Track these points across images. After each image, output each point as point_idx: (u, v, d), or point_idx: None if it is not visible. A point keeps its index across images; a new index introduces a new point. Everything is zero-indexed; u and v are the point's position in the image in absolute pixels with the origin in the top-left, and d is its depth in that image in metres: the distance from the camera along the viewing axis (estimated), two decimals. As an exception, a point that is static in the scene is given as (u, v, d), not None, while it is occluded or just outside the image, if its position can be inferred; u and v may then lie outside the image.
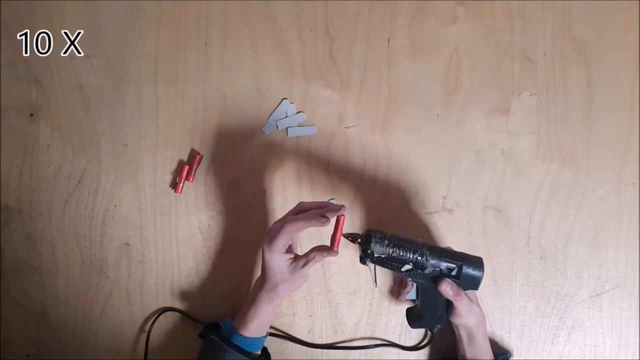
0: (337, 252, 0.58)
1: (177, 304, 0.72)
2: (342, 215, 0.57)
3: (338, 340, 0.71)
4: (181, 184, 0.71)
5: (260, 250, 0.62)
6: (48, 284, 0.73)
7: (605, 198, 0.68)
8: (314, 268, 0.70)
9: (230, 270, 0.71)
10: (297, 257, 0.61)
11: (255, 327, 0.63)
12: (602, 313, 0.69)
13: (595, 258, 0.68)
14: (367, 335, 0.70)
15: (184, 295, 0.72)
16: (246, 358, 0.62)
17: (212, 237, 0.72)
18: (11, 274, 0.73)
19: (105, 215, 0.72)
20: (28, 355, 0.74)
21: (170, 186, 0.72)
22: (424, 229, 0.69)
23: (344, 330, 0.71)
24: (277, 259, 0.60)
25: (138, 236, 0.72)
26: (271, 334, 0.70)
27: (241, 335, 0.62)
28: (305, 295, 0.71)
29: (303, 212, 0.60)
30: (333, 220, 0.58)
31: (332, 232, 0.58)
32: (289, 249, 0.63)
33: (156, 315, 0.72)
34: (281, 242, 0.59)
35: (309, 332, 0.71)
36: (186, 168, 0.71)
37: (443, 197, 0.70)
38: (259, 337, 0.64)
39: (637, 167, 0.68)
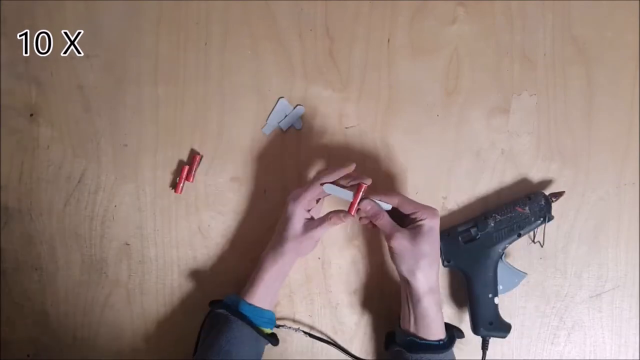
0: (353, 216, 0.60)
1: (177, 305, 0.72)
2: (365, 184, 0.59)
3: (338, 340, 0.71)
4: (181, 184, 0.71)
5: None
6: (48, 284, 0.73)
7: (605, 198, 0.68)
8: (315, 268, 0.70)
9: (230, 270, 0.71)
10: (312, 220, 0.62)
11: (261, 294, 0.61)
12: (602, 313, 0.69)
13: (595, 258, 0.69)
14: (369, 334, 0.70)
15: (184, 295, 0.72)
16: (253, 331, 0.59)
17: (212, 237, 0.72)
18: (11, 274, 0.73)
19: (105, 215, 0.72)
20: (28, 355, 0.74)
21: (170, 186, 0.72)
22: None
23: (344, 330, 0.71)
24: (297, 212, 0.60)
25: (138, 236, 0.72)
26: (316, 338, 0.69)
27: (247, 303, 0.61)
28: (305, 296, 0.71)
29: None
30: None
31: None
32: (311, 211, 0.63)
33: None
34: (310, 195, 0.60)
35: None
36: (186, 168, 0.71)
37: (443, 197, 0.70)
38: (267, 310, 0.62)
39: (637, 167, 0.68)
